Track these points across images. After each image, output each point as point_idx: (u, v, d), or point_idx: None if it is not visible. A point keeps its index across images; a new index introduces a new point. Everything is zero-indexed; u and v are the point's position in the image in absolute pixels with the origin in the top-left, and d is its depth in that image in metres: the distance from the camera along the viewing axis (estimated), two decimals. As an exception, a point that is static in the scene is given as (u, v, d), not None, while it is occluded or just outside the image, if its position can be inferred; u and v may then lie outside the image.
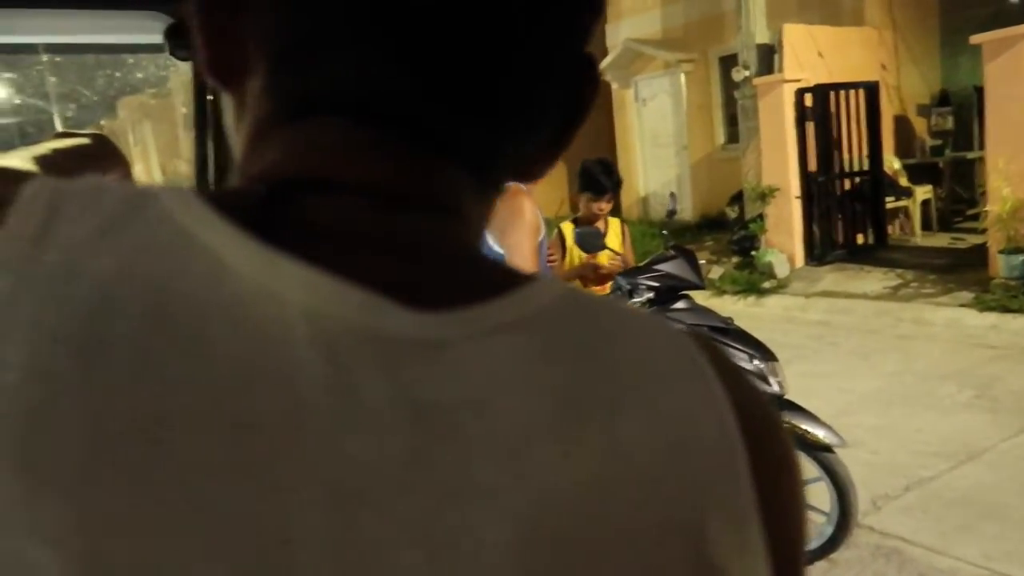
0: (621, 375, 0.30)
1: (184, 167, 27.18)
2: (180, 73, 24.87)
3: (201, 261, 0.26)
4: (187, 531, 0.24)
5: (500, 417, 0.28)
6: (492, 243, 1.96)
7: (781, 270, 7.52)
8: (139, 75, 26.96)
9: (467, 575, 0.26)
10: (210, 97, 1.11)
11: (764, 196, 7.73)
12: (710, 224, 9.91)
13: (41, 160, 0.51)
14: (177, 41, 1.04)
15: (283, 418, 0.25)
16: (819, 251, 7.72)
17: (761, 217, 7.82)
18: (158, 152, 29.04)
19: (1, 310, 0.24)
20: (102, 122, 35.47)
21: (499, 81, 0.32)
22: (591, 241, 2.97)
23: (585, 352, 0.30)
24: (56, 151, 0.54)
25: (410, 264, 0.30)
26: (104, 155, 0.59)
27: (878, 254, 7.70)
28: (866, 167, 7.95)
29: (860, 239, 7.96)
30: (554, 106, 0.35)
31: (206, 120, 1.11)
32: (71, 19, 1.05)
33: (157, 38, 1.05)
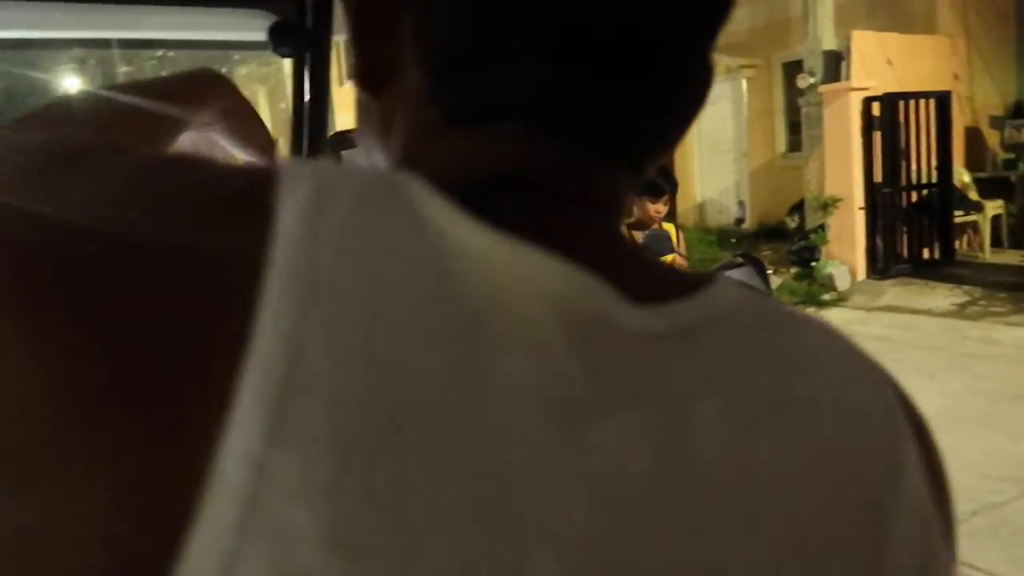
0: (806, 374, 0.32)
1: (244, 161, 27.68)
2: (246, 69, 25.48)
3: (459, 249, 0.26)
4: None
5: (718, 411, 0.29)
6: None
7: (842, 283, 7.34)
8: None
9: (700, 568, 0.27)
10: (307, 99, 1.13)
11: (826, 206, 7.56)
12: (768, 233, 9.74)
13: (155, 92, 0.52)
14: (281, 39, 1.06)
15: (546, 409, 0.25)
16: (882, 264, 7.52)
17: (822, 228, 7.66)
18: (220, 145, 29.68)
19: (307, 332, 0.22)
20: (168, 115, 36.49)
21: (663, 82, 0.33)
22: (660, 244, 3.00)
23: (774, 352, 0.32)
24: (168, 84, 0.56)
25: (606, 262, 0.31)
26: (217, 92, 0.59)
27: (944, 270, 7.46)
28: (934, 179, 7.72)
29: (926, 253, 7.74)
30: (691, 103, 0.36)
31: (302, 119, 1.13)
32: (174, 15, 1.08)
33: (259, 35, 1.07)
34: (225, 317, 0.23)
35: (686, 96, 0.35)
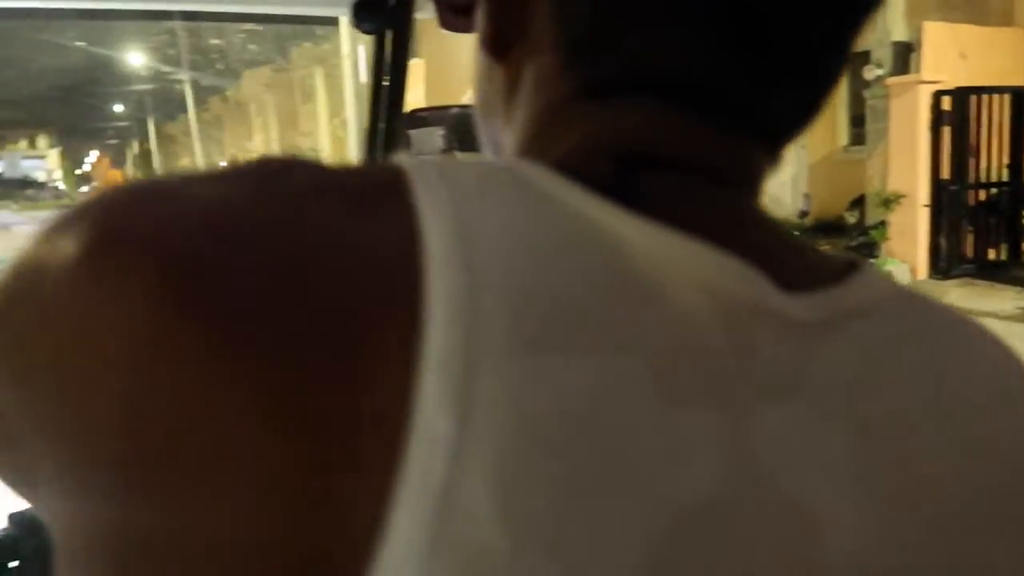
0: (962, 368, 0.31)
1: (301, 140, 28.24)
2: (304, 48, 25.76)
3: (602, 235, 0.26)
4: None
5: (880, 402, 0.28)
6: None
7: (902, 281, 7.14)
8: (267, 47, 28.08)
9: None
10: (385, 82, 1.13)
11: (888, 202, 7.35)
12: (826, 228, 9.51)
13: None
14: (364, 15, 1.06)
15: (707, 391, 0.25)
16: (945, 264, 7.29)
17: (883, 224, 7.45)
18: (277, 124, 30.24)
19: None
20: (227, 91, 37.28)
21: (809, 57, 0.32)
22: None
23: (927, 343, 0.31)
24: None
25: (753, 245, 0.30)
26: None
27: (1012, 272, 7.20)
28: (1005, 178, 7.44)
29: (991, 254, 7.48)
30: (830, 80, 0.35)
31: (380, 96, 1.13)
32: None
33: (342, 11, 1.08)
34: (392, 323, 0.22)
35: (827, 73, 0.34)
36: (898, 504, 0.28)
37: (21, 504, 0.89)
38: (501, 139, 0.38)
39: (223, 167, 0.28)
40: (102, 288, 0.23)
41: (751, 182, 0.33)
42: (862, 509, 0.27)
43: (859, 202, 8.39)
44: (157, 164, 49.22)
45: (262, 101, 31.49)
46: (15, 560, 0.82)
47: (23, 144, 48.15)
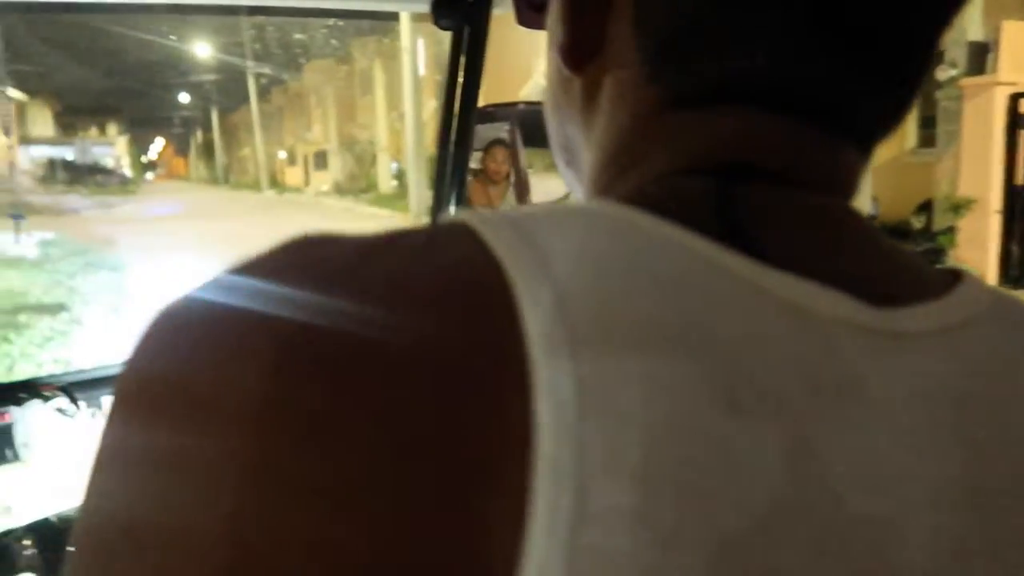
0: None
1: (359, 132, 28.67)
2: (364, 41, 26.15)
3: (689, 256, 0.26)
4: None
5: (993, 417, 0.28)
6: None
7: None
8: (329, 40, 28.54)
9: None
10: (460, 79, 1.13)
11: (958, 208, 7.11)
12: (891, 232, 9.23)
13: None
14: (443, 11, 1.07)
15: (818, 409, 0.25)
16: (1017, 272, 7.03)
17: (952, 230, 7.22)
18: (336, 116, 30.73)
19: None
20: (289, 83, 38.03)
21: (901, 59, 0.32)
22: None
23: None
24: None
25: (852, 258, 0.30)
26: None
27: (1088, 283, 6.91)
28: (1084, 185, 7.13)
29: (1067, 264, 7.19)
30: (918, 82, 0.34)
31: (455, 91, 1.14)
32: None
33: (422, 7, 1.08)
34: (504, 415, 0.22)
35: (917, 71, 0.33)
36: (1005, 520, 0.27)
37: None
38: (576, 147, 0.38)
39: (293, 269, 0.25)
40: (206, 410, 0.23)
41: (849, 187, 0.33)
42: (966, 524, 0.26)
43: (926, 207, 8.15)
44: (219, 153, 50.50)
45: (322, 93, 32.04)
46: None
47: (93, 131, 49.92)
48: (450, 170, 1.18)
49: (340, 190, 27.84)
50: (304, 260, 0.25)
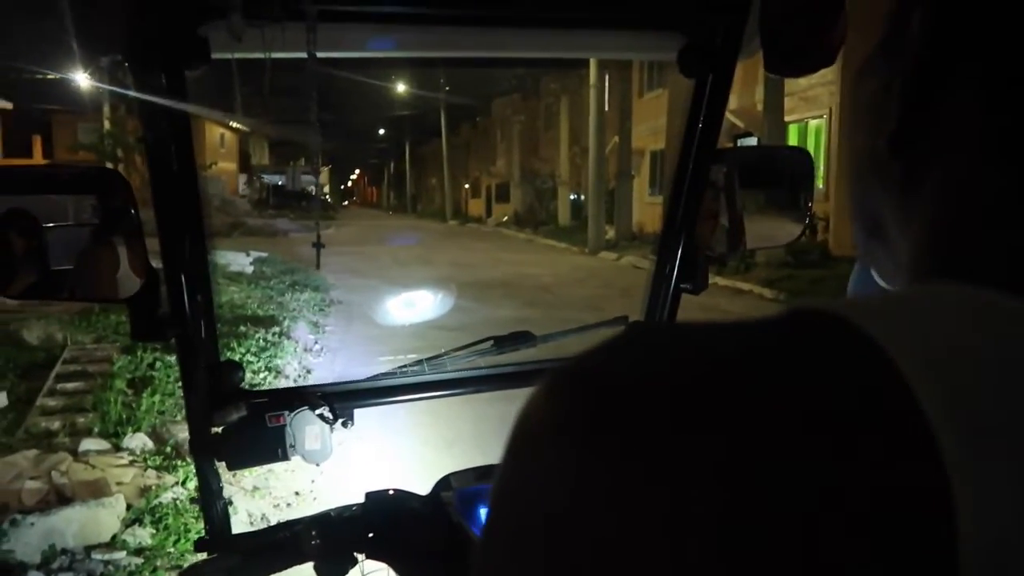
0: None
1: (540, 165, 29.32)
2: (551, 78, 26.81)
3: None
4: None
5: None
6: None
7: None
8: (518, 77, 29.50)
9: None
10: (700, 125, 1.16)
11: None
12: None
13: None
14: (690, 60, 1.10)
15: None
16: None
17: None
18: (519, 148, 31.65)
19: None
20: (476, 118, 39.67)
21: None
22: None
23: None
24: None
25: None
26: None
27: None
28: None
29: None
30: None
31: (694, 135, 1.16)
32: (586, 37, 1.16)
33: (668, 56, 1.12)
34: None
35: None
36: None
37: (377, 485, 1.04)
38: (885, 223, 0.37)
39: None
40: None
41: None
42: None
43: None
44: (408, 183, 53.44)
45: (508, 127, 33.13)
46: (370, 532, 0.95)
47: (301, 161, 54.64)
48: (681, 213, 1.21)
49: (519, 221, 28.55)
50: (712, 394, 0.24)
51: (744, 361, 0.24)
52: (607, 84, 19.74)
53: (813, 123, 14.33)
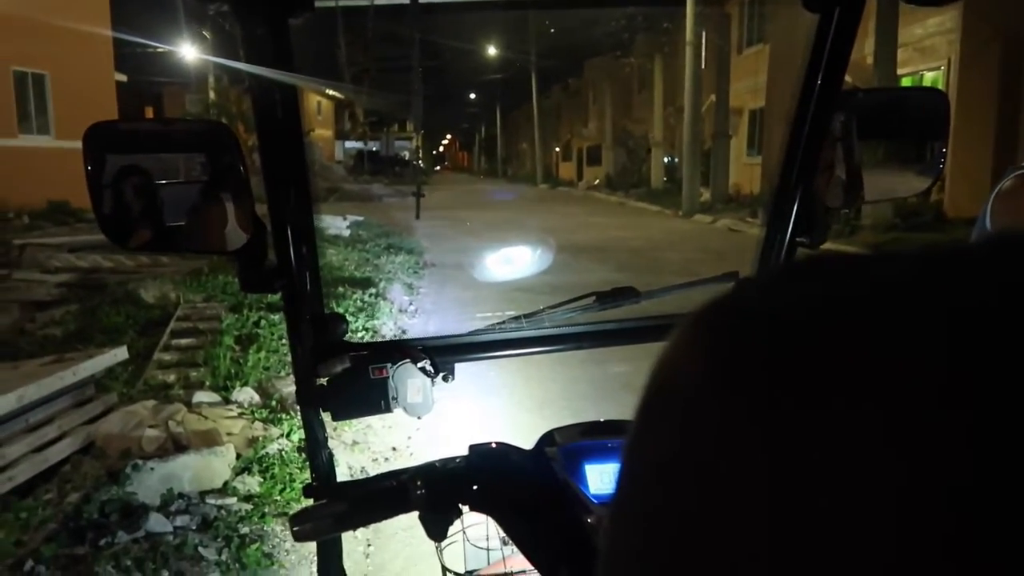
0: None
1: (634, 127, 28.80)
2: (643, 38, 26.18)
3: None
4: None
5: None
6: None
7: None
8: (609, 37, 29.00)
9: None
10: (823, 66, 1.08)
11: None
12: None
13: None
14: None
15: None
16: None
17: None
18: (611, 109, 31.13)
19: None
20: (568, 80, 39.22)
21: None
22: None
23: None
24: None
25: None
26: None
27: None
28: None
29: None
30: None
31: (816, 76, 1.09)
32: None
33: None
34: None
35: None
36: None
37: (480, 439, 1.03)
38: None
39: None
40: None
41: None
42: None
43: None
44: (499, 147, 53.54)
45: (600, 89, 32.59)
46: (475, 484, 0.95)
47: (395, 128, 55.55)
48: (800, 161, 1.13)
49: (611, 184, 28.19)
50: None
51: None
52: (704, 41, 19.07)
53: (929, 75, 13.43)
